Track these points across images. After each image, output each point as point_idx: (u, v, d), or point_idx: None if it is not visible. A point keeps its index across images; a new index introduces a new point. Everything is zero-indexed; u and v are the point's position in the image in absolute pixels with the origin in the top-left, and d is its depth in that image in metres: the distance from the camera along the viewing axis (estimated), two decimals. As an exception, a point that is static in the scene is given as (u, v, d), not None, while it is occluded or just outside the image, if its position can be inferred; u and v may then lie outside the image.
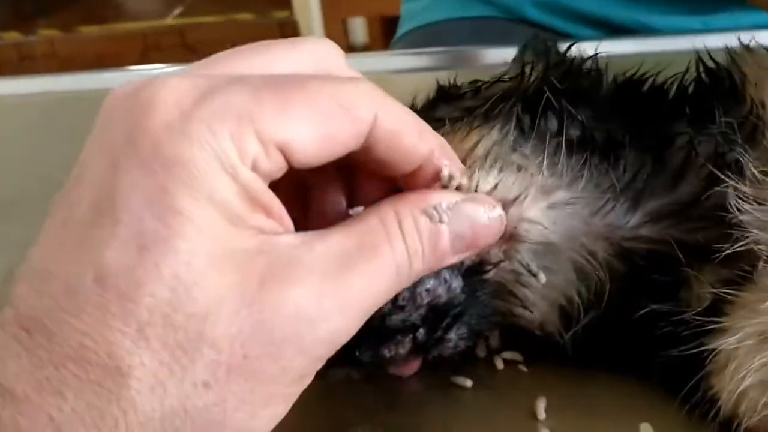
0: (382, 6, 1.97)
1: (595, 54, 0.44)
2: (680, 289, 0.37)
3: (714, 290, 0.36)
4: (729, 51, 0.42)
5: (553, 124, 0.39)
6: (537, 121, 0.39)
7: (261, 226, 0.27)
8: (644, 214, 0.38)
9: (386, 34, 2.21)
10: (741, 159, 0.36)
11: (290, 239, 0.27)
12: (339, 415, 0.39)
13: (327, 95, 0.27)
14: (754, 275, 0.35)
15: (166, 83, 0.27)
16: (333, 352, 0.27)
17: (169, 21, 2.80)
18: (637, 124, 0.40)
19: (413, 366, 0.38)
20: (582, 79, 0.43)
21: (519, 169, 0.38)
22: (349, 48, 2.34)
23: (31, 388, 0.24)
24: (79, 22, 2.79)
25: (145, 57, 2.57)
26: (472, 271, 0.36)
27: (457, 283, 0.35)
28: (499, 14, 0.83)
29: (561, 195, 0.38)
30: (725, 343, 0.35)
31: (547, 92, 0.39)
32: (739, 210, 0.35)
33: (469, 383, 0.41)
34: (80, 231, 0.25)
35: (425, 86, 0.45)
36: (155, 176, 0.25)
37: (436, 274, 0.34)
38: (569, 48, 0.44)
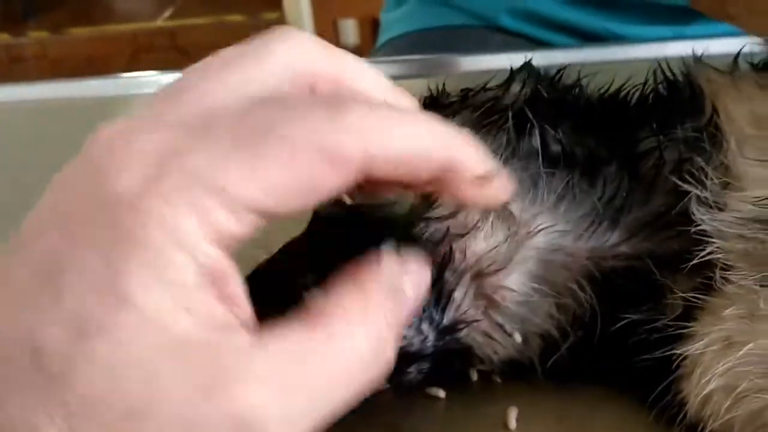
0: (373, 7, 1.96)
1: (579, 78, 0.45)
2: (656, 299, 0.38)
3: (684, 295, 0.37)
4: (684, 62, 0.43)
5: (536, 140, 0.40)
6: (524, 138, 0.40)
7: (215, 314, 0.24)
8: (623, 231, 0.39)
9: (377, 35, 2.22)
10: (700, 168, 0.37)
11: (242, 338, 0.24)
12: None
13: (304, 141, 0.25)
14: (714, 282, 0.36)
15: (135, 140, 0.25)
16: None
17: (160, 23, 2.81)
18: (610, 137, 0.40)
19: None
20: (566, 94, 0.44)
21: (503, 210, 0.39)
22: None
23: None
24: (69, 24, 2.79)
25: (136, 59, 2.57)
26: (448, 329, 0.38)
27: (431, 338, 0.36)
28: (475, 22, 0.85)
29: (541, 239, 0.38)
30: (692, 348, 0.36)
31: (527, 108, 0.40)
32: (701, 218, 0.36)
33: (442, 393, 0.41)
34: (21, 299, 0.24)
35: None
36: (106, 255, 0.23)
37: (418, 326, 0.36)
38: (560, 71, 0.45)
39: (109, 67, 2.43)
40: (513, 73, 0.44)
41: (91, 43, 2.68)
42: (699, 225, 0.36)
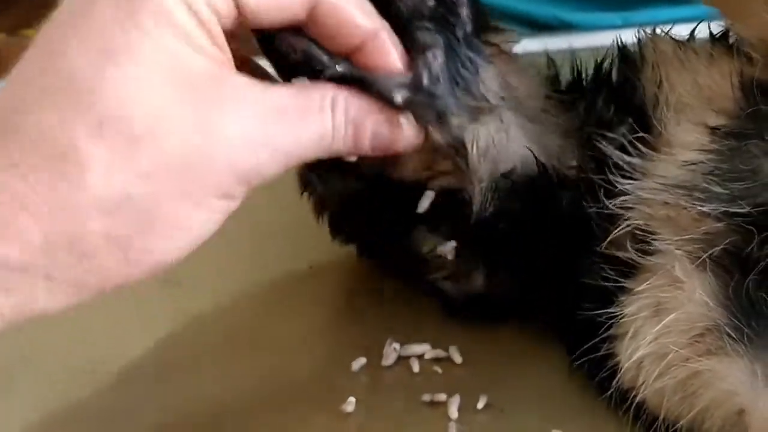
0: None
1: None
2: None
3: (619, 255, 0.37)
4: (637, 39, 0.44)
5: None
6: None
7: (217, 56, 0.31)
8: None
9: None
10: (636, 137, 0.38)
11: (241, 77, 0.32)
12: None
13: None
14: (635, 252, 0.37)
15: None
16: (255, 181, 0.32)
17: (117, 23, 2.78)
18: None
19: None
20: None
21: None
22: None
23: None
24: (24, 26, 2.74)
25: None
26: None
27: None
28: None
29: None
30: (628, 311, 0.36)
31: None
32: (623, 186, 0.37)
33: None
34: (52, 45, 0.31)
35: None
36: (127, 4, 0.30)
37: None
38: None
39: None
40: None
41: (48, 45, 2.65)
42: (627, 192, 0.37)
